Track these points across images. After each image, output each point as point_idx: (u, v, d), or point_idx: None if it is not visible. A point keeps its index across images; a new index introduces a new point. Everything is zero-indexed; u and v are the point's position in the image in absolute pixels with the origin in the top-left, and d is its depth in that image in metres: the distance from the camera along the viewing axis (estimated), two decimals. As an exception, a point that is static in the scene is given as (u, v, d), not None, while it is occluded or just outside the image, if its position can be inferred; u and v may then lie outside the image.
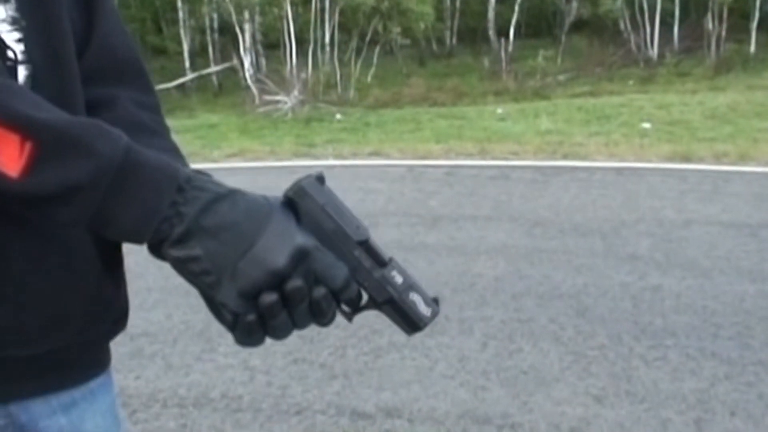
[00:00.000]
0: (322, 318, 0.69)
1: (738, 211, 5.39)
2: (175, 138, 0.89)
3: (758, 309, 3.54)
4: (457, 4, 21.24)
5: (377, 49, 17.53)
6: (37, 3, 0.73)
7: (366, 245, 0.72)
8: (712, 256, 4.35)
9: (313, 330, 0.72)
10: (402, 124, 11.42)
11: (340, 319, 0.73)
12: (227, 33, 18.67)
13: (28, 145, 0.60)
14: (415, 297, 0.74)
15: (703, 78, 15.82)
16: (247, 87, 15.60)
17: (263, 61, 17.94)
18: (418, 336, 0.77)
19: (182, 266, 0.66)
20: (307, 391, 2.85)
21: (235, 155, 9.08)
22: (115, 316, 0.83)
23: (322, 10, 16.58)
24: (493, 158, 8.10)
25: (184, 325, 3.49)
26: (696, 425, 2.54)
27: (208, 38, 19.13)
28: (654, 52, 18.34)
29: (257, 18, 17.32)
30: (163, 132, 0.86)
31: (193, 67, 18.47)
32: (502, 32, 18.93)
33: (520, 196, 6.16)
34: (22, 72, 0.72)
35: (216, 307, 0.69)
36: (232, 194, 0.67)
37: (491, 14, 19.78)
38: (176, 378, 2.99)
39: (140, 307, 3.64)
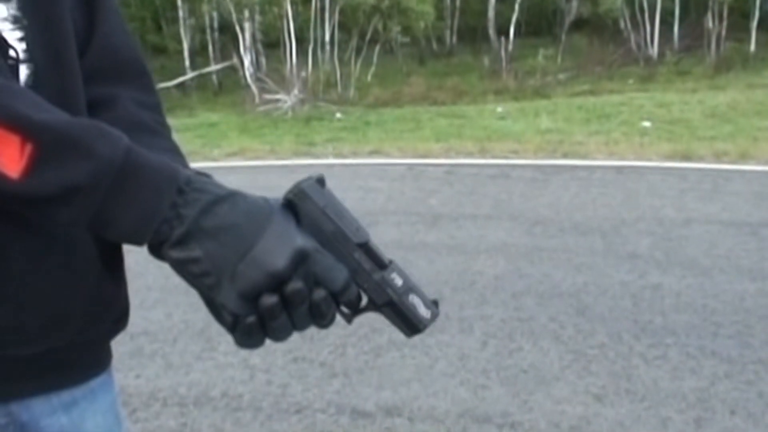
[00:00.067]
0: (322, 320, 0.69)
1: (738, 209, 5.39)
2: (176, 137, 0.89)
3: (758, 307, 3.54)
4: (457, 3, 21.24)
5: (377, 48, 17.53)
6: (38, 2, 0.73)
7: (366, 247, 0.72)
8: (712, 255, 4.35)
9: (313, 329, 0.72)
10: (402, 123, 11.42)
11: (339, 318, 0.73)
12: (227, 32, 18.68)
13: (28, 146, 0.60)
14: (414, 299, 0.74)
15: (703, 77, 15.82)
16: (247, 86, 15.61)
17: (263, 60, 17.94)
18: (418, 335, 0.77)
19: (182, 268, 0.66)
20: (307, 389, 2.85)
21: (235, 154, 9.08)
22: (116, 315, 0.83)
23: (322, 8, 16.59)
24: (493, 157, 8.10)
25: (184, 324, 3.49)
26: (696, 424, 2.54)
27: (208, 37, 19.14)
28: (654, 50, 18.34)
29: (257, 17, 17.32)
30: (164, 132, 0.86)
31: (193, 66, 18.47)
32: (502, 31, 18.93)
33: (520, 194, 6.16)
34: (23, 71, 0.72)
35: (216, 309, 0.69)
36: (232, 196, 0.67)
37: (491, 13, 19.77)
38: (176, 377, 3.00)
39: (140, 306, 3.64)
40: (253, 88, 14.76)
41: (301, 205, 0.70)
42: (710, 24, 17.97)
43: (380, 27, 16.95)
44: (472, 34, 21.67)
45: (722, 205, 5.54)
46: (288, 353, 3.10)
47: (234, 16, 16.31)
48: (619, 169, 7.10)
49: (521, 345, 3.21)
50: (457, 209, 5.69)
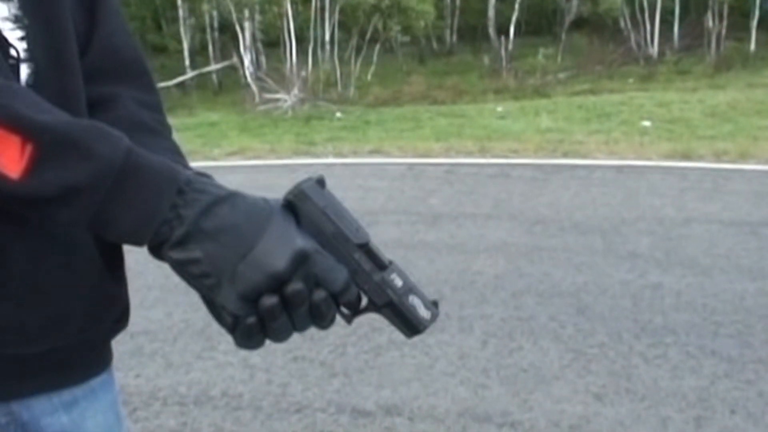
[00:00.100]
0: (322, 321, 0.69)
1: (738, 209, 5.39)
2: (176, 136, 0.89)
3: (758, 307, 3.54)
4: (458, 2, 21.24)
5: (377, 47, 17.53)
6: (39, 2, 0.74)
7: (366, 248, 0.72)
8: (712, 254, 4.35)
9: (312, 328, 0.72)
10: (402, 122, 11.42)
11: (339, 318, 0.73)
12: (227, 31, 18.68)
13: (28, 147, 0.60)
14: (414, 300, 0.74)
15: (703, 76, 15.82)
16: (247, 85, 15.61)
17: (263, 60, 17.94)
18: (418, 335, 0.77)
19: (182, 268, 0.66)
20: (307, 389, 2.86)
21: (235, 153, 9.08)
22: (116, 314, 0.84)
23: (322, 8, 16.58)
24: (493, 156, 8.10)
25: (184, 324, 3.49)
26: (696, 423, 2.54)
27: (208, 36, 19.14)
28: (654, 50, 18.34)
29: (257, 16, 17.32)
30: (164, 132, 0.86)
31: (193, 66, 18.47)
32: (503, 30, 18.92)
33: (520, 194, 6.16)
34: (24, 70, 0.72)
35: (216, 310, 0.69)
36: (233, 197, 0.67)
37: (491, 12, 19.77)
38: (176, 376, 3.00)
39: (140, 305, 3.64)
40: (253, 87, 14.76)
41: (301, 206, 0.70)
42: (710, 23, 17.97)
43: (380, 26, 16.95)
44: (472, 34, 21.67)
45: (722, 204, 5.54)
46: (288, 352, 3.11)
47: (234, 16, 16.31)
48: (619, 169, 7.10)
49: (521, 344, 3.21)
50: (457, 208, 5.69)
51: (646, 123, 9.97)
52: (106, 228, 0.65)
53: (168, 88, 16.45)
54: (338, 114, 12.38)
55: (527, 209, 5.59)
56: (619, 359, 3.04)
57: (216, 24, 19.12)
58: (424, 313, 0.75)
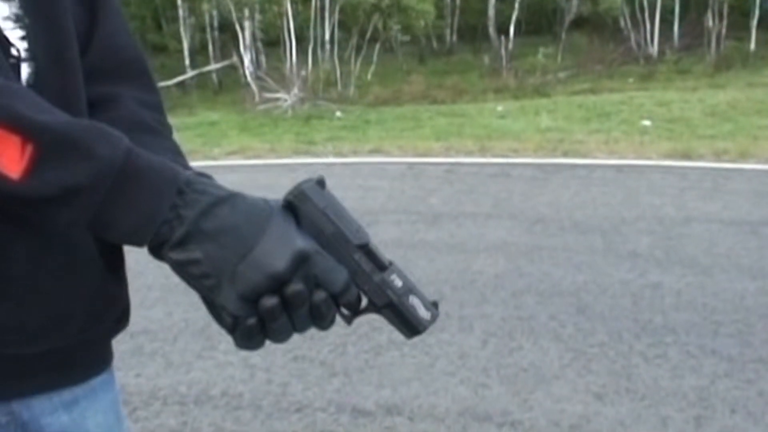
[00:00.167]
0: (322, 321, 0.70)
1: (738, 208, 5.39)
2: (176, 136, 0.89)
3: (758, 306, 3.54)
4: (457, 1, 21.25)
5: (377, 47, 17.53)
6: (40, 1, 0.74)
7: (366, 249, 0.72)
8: (712, 254, 4.35)
9: (312, 328, 0.72)
10: (402, 121, 11.42)
11: (339, 318, 0.73)
12: (227, 30, 18.69)
13: (29, 148, 0.60)
14: (414, 301, 0.74)
15: (703, 75, 15.83)
16: (247, 84, 15.62)
17: (263, 59, 17.95)
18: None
19: (182, 269, 0.66)
20: (307, 388, 2.86)
21: (235, 153, 9.08)
22: (117, 314, 0.84)
23: (322, 7, 16.59)
24: (493, 156, 8.10)
25: (185, 323, 3.49)
26: (696, 422, 2.55)
27: (208, 36, 19.15)
28: (654, 49, 18.34)
29: (257, 15, 17.32)
30: (165, 131, 0.86)
31: (193, 65, 18.48)
32: (503, 29, 18.93)
33: (520, 193, 6.16)
34: (25, 69, 0.72)
35: (216, 310, 0.69)
36: (233, 197, 0.67)
37: (491, 12, 19.78)
38: (176, 376, 3.00)
39: (140, 304, 3.64)
40: (253, 86, 14.76)
41: (302, 207, 0.70)
42: (710, 22, 17.97)
43: (380, 25, 16.95)
44: (472, 33, 21.67)
45: (722, 203, 5.54)
46: (288, 352, 3.11)
47: (234, 15, 16.32)
48: (619, 168, 7.10)
49: (521, 344, 3.21)
50: (457, 208, 5.69)
51: (646, 122, 9.97)
52: (106, 228, 0.65)
53: (168, 87, 16.45)
54: (338, 113, 12.38)
55: (527, 209, 5.59)
56: (619, 359, 3.04)
57: (216, 23, 19.13)
58: (423, 313, 0.75)
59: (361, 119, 11.79)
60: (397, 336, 0.78)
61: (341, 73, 16.05)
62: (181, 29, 18.53)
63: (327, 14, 16.65)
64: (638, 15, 18.49)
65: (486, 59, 18.59)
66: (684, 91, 13.29)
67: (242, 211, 0.66)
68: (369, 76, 16.95)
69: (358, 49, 16.67)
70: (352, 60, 16.26)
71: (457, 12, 21.55)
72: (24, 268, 0.71)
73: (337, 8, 16.55)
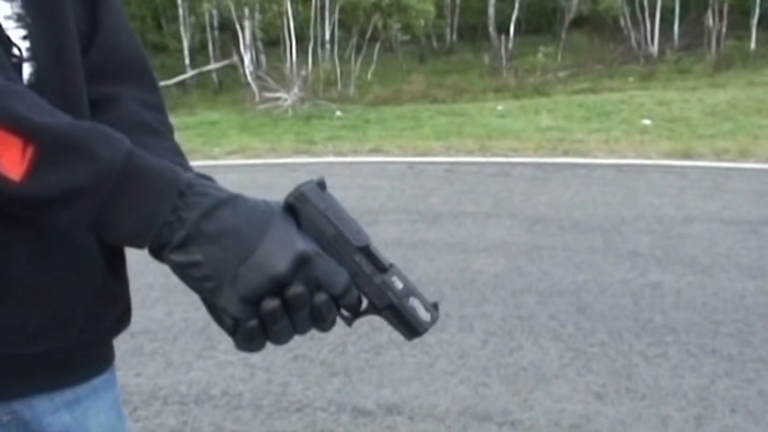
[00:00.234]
0: (323, 323, 0.70)
1: (738, 207, 5.39)
2: (176, 135, 0.89)
3: (758, 306, 3.54)
4: (458, 0, 21.22)
5: (377, 46, 17.53)
6: (42, 0, 0.74)
7: (366, 251, 0.72)
8: (712, 253, 4.35)
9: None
10: (402, 121, 11.42)
11: (340, 319, 0.73)
12: (227, 30, 18.68)
13: (30, 149, 0.60)
14: (415, 302, 0.74)
15: (703, 75, 15.82)
16: (247, 84, 15.61)
17: (263, 58, 17.94)
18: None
19: (183, 271, 0.66)
20: (307, 388, 2.86)
21: (236, 152, 9.08)
22: (118, 314, 0.84)
23: (322, 7, 16.58)
24: (493, 155, 8.10)
25: (185, 323, 3.49)
26: (696, 422, 2.55)
27: (208, 35, 19.14)
28: (654, 48, 18.34)
29: (257, 15, 17.31)
30: (166, 132, 0.86)
31: (193, 65, 18.47)
32: (503, 29, 18.92)
33: (520, 193, 6.16)
34: (26, 69, 0.72)
35: (217, 312, 0.69)
36: (234, 199, 0.67)
37: (491, 11, 19.77)
38: (177, 375, 3.00)
39: (141, 304, 3.64)
40: (253, 86, 14.76)
41: (302, 209, 0.70)
42: (710, 22, 17.96)
43: (380, 25, 16.94)
44: (473, 32, 21.66)
45: (722, 203, 5.54)
46: (288, 352, 3.11)
47: (234, 15, 16.31)
48: (619, 167, 7.10)
49: (521, 343, 3.21)
50: (458, 207, 5.69)
51: (647, 122, 9.97)
52: (106, 230, 0.65)
53: (168, 87, 16.44)
54: (338, 113, 12.38)
55: (527, 208, 5.59)
56: (620, 358, 3.04)
57: (216, 23, 19.11)
58: (424, 315, 0.75)
59: (361, 119, 11.79)
60: (398, 336, 0.79)
61: (341, 73, 16.05)
62: (181, 29, 18.53)
63: (327, 14, 16.65)
64: (638, 14, 18.48)
65: (486, 59, 18.58)
66: (684, 90, 13.28)
67: (243, 214, 0.66)
68: (369, 76, 16.95)
69: (358, 48, 16.67)
70: (352, 59, 16.26)
71: (457, 11, 21.54)
72: (25, 268, 0.71)
73: (337, 8, 16.54)
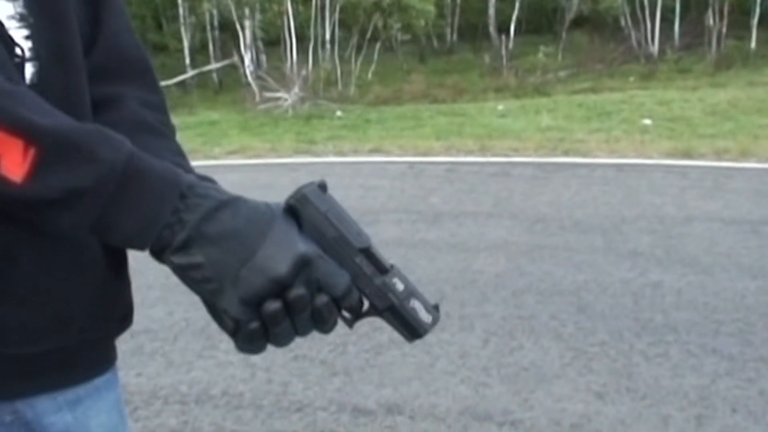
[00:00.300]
0: (324, 325, 0.69)
1: (739, 207, 5.39)
2: (177, 136, 0.89)
3: (759, 305, 3.54)
4: (458, 0, 21.21)
5: (378, 46, 17.52)
6: (44, 0, 0.74)
7: (367, 252, 0.72)
8: (713, 253, 4.35)
9: (312, 328, 0.72)
10: (402, 120, 11.42)
11: (341, 321, 0.73)
12: (227, 30, 18.68)
13: (31, 151, 0.60)
14: (415, 304, 0.75)
15: (703, 74, 15.81)
16: (248, 84, 15.61)
17: (264, 58, 17.94)
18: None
19: (184, 273, 0.66)
20: (308, 388, 2.86)
21: (236, 152, 9.08)
22: (120, 314, 0.84)
23: (323, 6, 16.58)
24: (494, 155, 8.10)
25: (185, 323, 3.49)
26: (697, 421, 2.55)
27: (209, 35, 19.13)
28: (655, 48, 18.33)
29: (257, 15, 17.31)
30: (167, 132, 0.86)
31: (194, 64, 18.47)
32: (503, 29, 18.92)
33: (521, 192, 6.16)
34: (29, 69, 0.72)
35: (217, 314, 0.69)
36: (235, 201, 0.67)
37: (492, 11, 19.76)
38: (177, 375, 3.00)
39: (141, 304, 3.62)
40: (254, 86, 14.76)
41: (303, 211, 0.70)
42: (711, 21, 17.95)
43: (381, 25, 16.94)
44: (473, 32, 21.64)
45: (723, 202, 5.54)
46: (288, 351, 3.11)
47: (234, 14, 16.31)
48: (620, 167, 7.10)
49: (522, 343, 3.21)
50: (458, 207, 5.69)
51: (647, 121, 9.96)
52: (108, 232, 0.65)
53: (168, 86, 16.44)
54: (339, 113, 12.38)
55: (528, 208, 5.59)
56: (620, 358, 3.04)
57: (216, 23, 19.11)
58: (425, 316, 0.75)
59: (362, 118, 11.79)
60: (398, 336, 0.79)
61: (342, 73, 16.05)
62: (182, 28, 18.53)
63: (327, 13, 16.65)
64: (639, 14, 18.47)
65: (486, 58, 18.58)
66: (685, 90, 13.28)
67: (244, 215, 0.66)
68: (369, 76, 16.94)
69: (359, 48, 16.67)
70: (353, 59, 16.26)
71: (458, 11, 21.53)
72: (26, 268, 0.71)
73: (338, 7, 16.54)
